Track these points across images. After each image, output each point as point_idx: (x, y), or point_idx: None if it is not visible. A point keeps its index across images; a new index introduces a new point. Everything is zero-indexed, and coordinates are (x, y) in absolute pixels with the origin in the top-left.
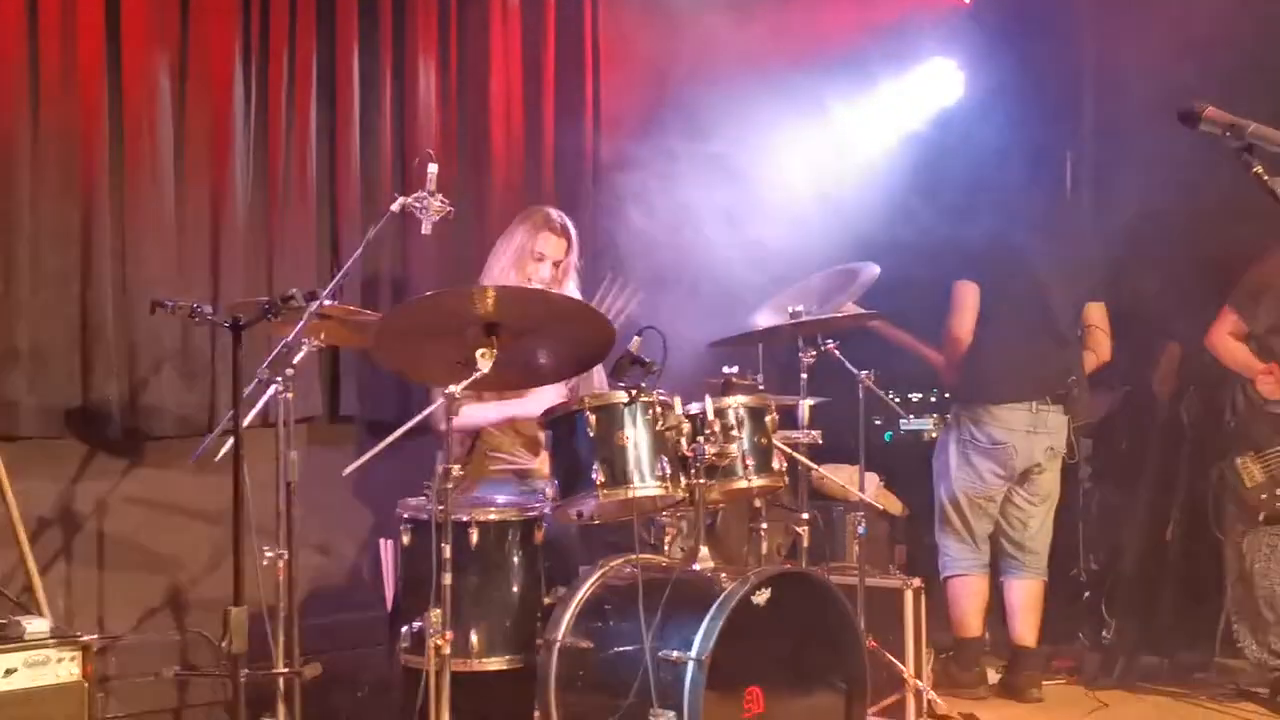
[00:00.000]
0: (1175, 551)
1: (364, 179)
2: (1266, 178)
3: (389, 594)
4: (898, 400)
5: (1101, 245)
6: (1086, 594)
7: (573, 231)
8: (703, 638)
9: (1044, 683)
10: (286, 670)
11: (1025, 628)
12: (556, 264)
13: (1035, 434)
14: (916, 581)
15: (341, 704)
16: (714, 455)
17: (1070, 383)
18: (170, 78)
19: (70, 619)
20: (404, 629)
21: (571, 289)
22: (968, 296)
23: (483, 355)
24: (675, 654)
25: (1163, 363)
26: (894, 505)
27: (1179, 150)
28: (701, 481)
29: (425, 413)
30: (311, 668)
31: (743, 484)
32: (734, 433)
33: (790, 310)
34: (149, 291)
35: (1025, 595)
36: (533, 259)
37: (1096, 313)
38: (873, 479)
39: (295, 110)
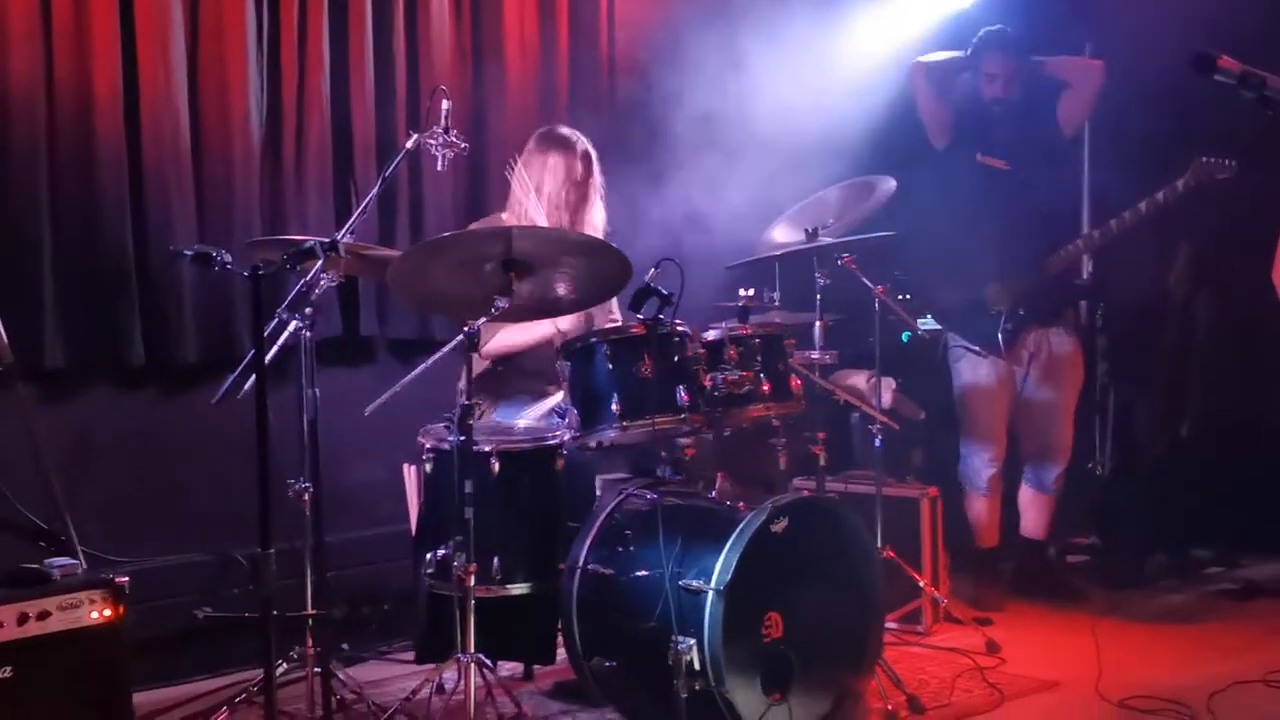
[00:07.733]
0: (1190, 449)
1: (378, 101)
2: None
3: (413, 517)
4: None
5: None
6: (1101, 491)
7: (591, 150)
8: (722, 568)
9: None
10: (315, 613)
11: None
12: (578, 183)
13: None
14: (933, 490)
15: (369, 617)
16: (732, 384)
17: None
18: (182, 4)
19: (102, 548)
20: (428, 555)
21: (598, 207)
22: None
23: (502, 291)
24: (695, 583)
25: (1179, 262)
26: (911, 410)
27: None
28: (720, 410)
29: (446, 348)
30: (339, 609)
31: (761, 411)
32: (751, 360)
33: (807, 229)
34: (166, 221)
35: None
36: (557, 184)
37: None
38: (889, 384)
39: (308, 33)
